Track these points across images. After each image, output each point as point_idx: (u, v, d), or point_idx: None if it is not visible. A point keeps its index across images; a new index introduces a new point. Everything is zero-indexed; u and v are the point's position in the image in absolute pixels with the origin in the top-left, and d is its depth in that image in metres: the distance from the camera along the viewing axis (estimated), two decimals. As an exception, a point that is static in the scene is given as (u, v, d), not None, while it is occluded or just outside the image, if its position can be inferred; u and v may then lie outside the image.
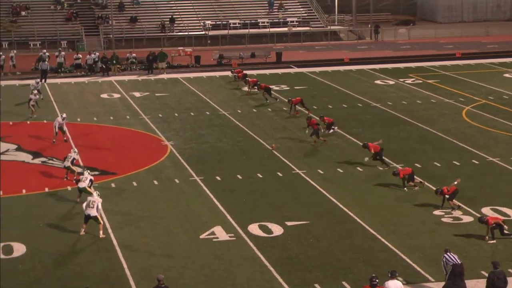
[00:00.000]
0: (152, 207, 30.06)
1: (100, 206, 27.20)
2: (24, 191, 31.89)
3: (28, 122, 42.82)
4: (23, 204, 30.37)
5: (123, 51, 62.96)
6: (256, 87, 48.64)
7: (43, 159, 36.16)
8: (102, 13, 71.93)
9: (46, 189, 31.99)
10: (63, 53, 58.64)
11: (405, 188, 31.06)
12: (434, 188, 29.92)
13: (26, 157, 36.49)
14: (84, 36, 68.41)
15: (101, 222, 27.17)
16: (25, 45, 65.66)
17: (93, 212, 26.82)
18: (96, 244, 26.45)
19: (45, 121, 42.42)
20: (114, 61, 57.73)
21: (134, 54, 60.34)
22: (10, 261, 25.16)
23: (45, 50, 58.47)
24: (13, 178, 33.49)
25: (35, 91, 44.26)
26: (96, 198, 27.12)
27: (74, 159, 33.20)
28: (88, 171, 31.58)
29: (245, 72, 53.12)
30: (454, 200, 29.03)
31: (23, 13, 70.28)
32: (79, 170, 32.80)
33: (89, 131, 41.45)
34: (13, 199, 30.97)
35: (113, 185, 32.50)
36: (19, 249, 25.98)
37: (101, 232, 27.01)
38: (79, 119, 43.58)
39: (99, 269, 24.59)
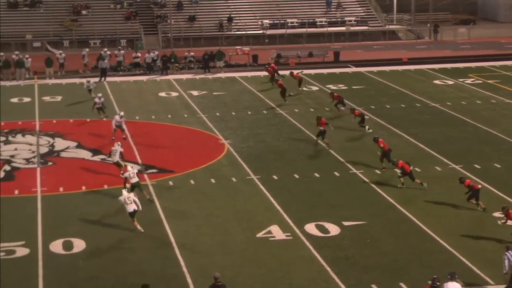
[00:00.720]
0: (209, 205, 30.21)
1: (136, 199, 27.51)
2: (83, 188, 32.31)
3: (88, 120, 43.36)
4: (82, 201, 30.79)
5: (181, 50, 63.35)
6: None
7: (103, 156, 36.58)
8: (161, 12, 72.47)
9: (105, 186, 32.35)
10: (122, 51, 59.31)
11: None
12: (494, 190, 29.53)
13: (86, 155, 36.95)
14: (143, 35, 69.03)
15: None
16: (85, 44, 66.50)
17: (133, 207, 27.13)
18: (154, 242, 26.68)
19: (104, 119, 42.92)
20: (173, 60, 58.17)
21: (192, 53, 60.67)
22: (70, 257, 25.51)
23: (105, 49, 59.18)
24: (73, 175, 33.96)
25: (99, 94, 44.30)
26: (130, 194, 27.57)
27: (120, 152, 33.51)
28: (132, 165, 31.82)
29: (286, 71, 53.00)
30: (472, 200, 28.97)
31: (83, 12, 71.18)
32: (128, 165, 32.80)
33: (148, 129, 41.81)
34: (72, 196, 31.43)
35: (170, 183, 32.73)
36: (79, 245, 26.34)
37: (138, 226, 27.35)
38: (137, 117, 43.99)
39: (156, 266, 24.79)
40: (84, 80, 48.64)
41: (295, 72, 51.49)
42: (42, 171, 34.45)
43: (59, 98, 49.37)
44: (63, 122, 42.89)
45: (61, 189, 32.04)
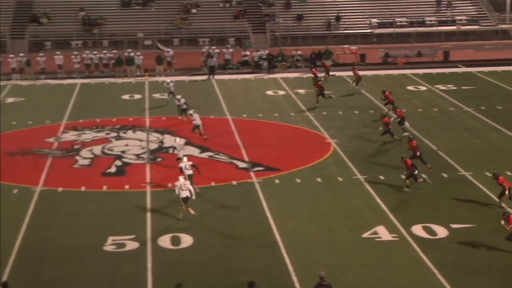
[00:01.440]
0: (315, 204, 30.21)
1: (191, 188, 28.90)
2: (191, 184, 32.79)
3: (196, 117, 43.97)
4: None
5: (289, 48, 63.51)
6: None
7: (210, 153, 37.05)
8: (269, 10, 72.82)
9: (212, 183, 32.75)
10: (230, 50, 59.91)
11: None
12: None
13: (194, 151, 37.47)
14: (251, 34, 69.54)
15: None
16: (194, 42, 67.45)
17: (187, 194, 28.46)
18: (259, 239, 26.86)
19: (212, 116, 43.43)
20: (280, 59, 58.39)
21: (299, 52, 60.76)
22: (178, 252, 25.96)
23: (214, 47, 59.89)
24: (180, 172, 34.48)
25: (179, 96, 43.89)
26: (186, 182, 29.04)
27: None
28: (187, 158, 32.25)
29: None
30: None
31: (193, 10, 72.20)
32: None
33: (254, 127, 42.10)
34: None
35: (277, 181, 32.88)
36: (186, 240, 26.77)
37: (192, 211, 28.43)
38: (244, 115, 44.34)
39: (261, 264, 24.94)
40: (168, 79, 48.66)
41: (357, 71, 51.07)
42: (152, 167, 35.14)
43: (166, 95, 50.17)
44: (172, 119, 43.62)
45: (169, 185, 32.59)
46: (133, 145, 38.70)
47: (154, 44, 66.86)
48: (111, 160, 36.14)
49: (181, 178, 29.26)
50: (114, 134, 40.45)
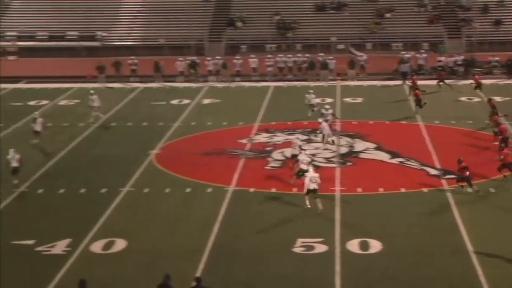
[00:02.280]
0: (509, 215, 29.19)
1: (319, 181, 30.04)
2: (381, 189, 32.60)
3: (387, 122, 43.66)
4: (378, 202, 31.08)
5: (485, 54, 61.70)
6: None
7: (401, 159, 36.67)
8: (466, 15, 71.05)
9: (402, 190, 32.41)
10: (424, 55, 59.03)
11: None
12: None
13: (384, 157, 37.21)
14: (446, 38, 68.14)
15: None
16: (387, 47, 66.94)
17: (314, 186, 29.81)
18: (450, 248, 26.31)
19: (403, 122, 42.95)
20: (476, 64, 56.99)
21: (496, 58, 58.91)
22: (366, 257, 25.85)
23: (404, 52, 59.20)
24: (371, 177, 34.38)
25: (327, 106, 42.15)
26: (316, 174, 30.21)
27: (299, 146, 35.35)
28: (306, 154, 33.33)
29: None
30: None
31: (387, 15, 71.67)
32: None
33: (447, 134, 41.17)
34: (370, 197, 31.83)
35: (469, 190, 32.02)
36: (375, 246, 26.61)
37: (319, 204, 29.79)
38: (437, 122, 43.45)
39: (451, 273, 24.40)
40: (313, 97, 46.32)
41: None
42: (341, 171, 35.22)
43: (359, 99, 50.20)
44: (363, 124, 43.53)
45: (359, 189, 32.55)
46: (323, 148, 38.93)
47: (347, 48, 66.93)
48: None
49: (310, 170, 30.59)
50: (305, 137, 40.86)
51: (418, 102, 44.95)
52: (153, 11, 73.86)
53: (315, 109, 44.20)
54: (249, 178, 34.22)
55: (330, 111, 41.65)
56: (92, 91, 46.25)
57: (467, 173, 31.42)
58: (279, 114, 46.16)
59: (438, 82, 52.08)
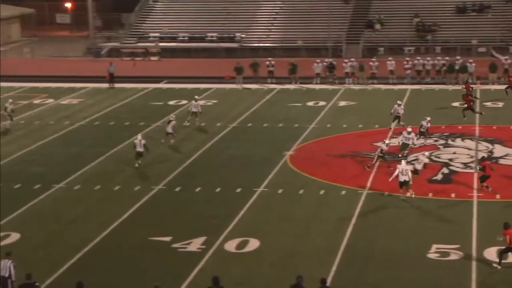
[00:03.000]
0: None
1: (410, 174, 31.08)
2: (521, 196, 31.68)
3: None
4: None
5: None
6: None
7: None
8: None
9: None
10: None
11: None
12: None
13: (526, 163, 36.18)
14: None
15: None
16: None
17: (405, 178, 30.96)
18: None
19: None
20: None
21: None
22: (503, 266, 25.09)
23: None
24: (510, 183, 33.41)
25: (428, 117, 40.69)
26: (408, 167, 31.59)
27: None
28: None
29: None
30: None
31: (531, 17, 69.53)
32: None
33: None
34: (509, 204, 30.91)
35: None
36: (513, 255, 25.84)
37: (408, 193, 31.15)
38: None
39: None
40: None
41: None
42: (479, 176, 34.33)
43: (500, 104, 48.90)
44: (503, 129, 42.35)
45: (497, 196, 31.68)
46: (461, 153, 38.13)
47: (489, 51, 65.32)
48: (438, 167, 35.87)
49: (403, 162, 31.71)
50: (442, 142, 40.11)
51: (470, 109, 44.11)
52: (292, 13, 74.35)
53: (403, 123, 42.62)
54: (384, 182, 33.87)
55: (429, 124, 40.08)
56: (196, 97, 45.61)
57: None
58: (416, 118, 45.43)
59: None
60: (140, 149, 36.25)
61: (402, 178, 30.98)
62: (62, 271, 25.35)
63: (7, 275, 22.28)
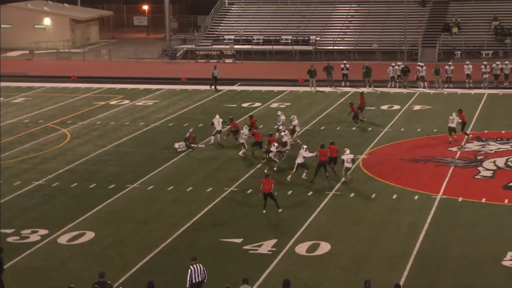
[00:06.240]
0: None
1: None
2: None
3: None
4: None
5: None
6: None
7: None
8: None
9: None
10: None
11: None
12: None
13: None
14: None
15: None
16: None
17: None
18: None
19: None
20: None
21: None
22: None
23: None
24: None
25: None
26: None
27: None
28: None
29: None
30: None
31: None
32: None
33: None
34: None
35: None
36: None
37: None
38: None
39: None
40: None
41: None
42: None
43: None
44: None
45: None
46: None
47: None
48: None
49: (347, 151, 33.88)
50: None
51: None
52: (367, 16, 73.93)
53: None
54: (458, 187, 33.38)
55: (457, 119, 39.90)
56: (217, 116, 42.29)
57: None
58: (493, 123, 44.71)
59: None
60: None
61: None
62: (134, 270, 25.68)
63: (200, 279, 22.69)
